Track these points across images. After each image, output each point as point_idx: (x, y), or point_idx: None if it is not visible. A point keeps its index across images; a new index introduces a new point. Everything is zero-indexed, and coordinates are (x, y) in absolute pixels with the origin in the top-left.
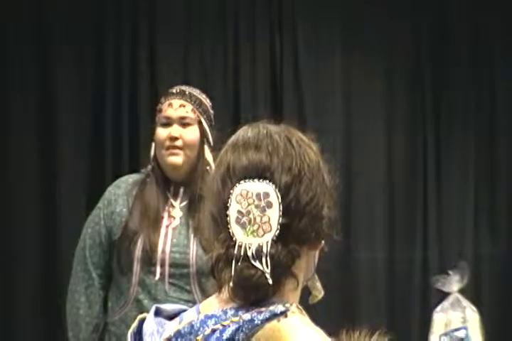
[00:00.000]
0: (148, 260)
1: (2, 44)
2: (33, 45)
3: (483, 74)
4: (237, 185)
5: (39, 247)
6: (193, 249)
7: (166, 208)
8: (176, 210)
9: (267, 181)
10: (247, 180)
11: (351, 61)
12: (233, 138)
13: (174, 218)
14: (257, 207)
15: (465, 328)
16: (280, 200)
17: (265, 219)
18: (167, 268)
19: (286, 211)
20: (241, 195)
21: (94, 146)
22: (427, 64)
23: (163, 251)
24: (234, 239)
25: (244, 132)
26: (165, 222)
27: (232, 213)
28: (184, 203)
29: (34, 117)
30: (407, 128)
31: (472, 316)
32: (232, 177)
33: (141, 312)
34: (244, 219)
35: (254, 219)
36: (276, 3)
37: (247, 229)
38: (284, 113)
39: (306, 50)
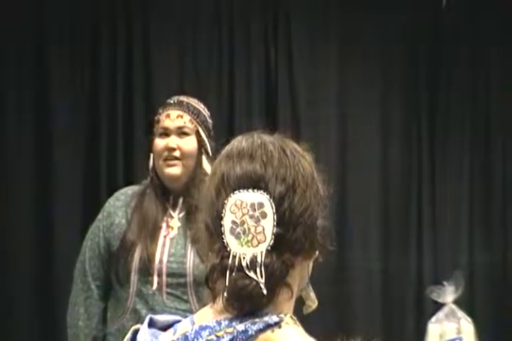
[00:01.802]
0: (146, 270)
1: None
2: (29, 45)
3: (479, 75)
4: (232, 195)
5: (35, 248)
6: (190, 258)
7: (165, 218)
8: (175, 220)
9: (262, 191)
10: (241, 190)
11: (347, 65)
12: (227, 148)
13: (172, 228)
14: (251, 217)
15: (460, 339)
16: (274, 210)
17: (259, 229)
18: (164, 278)
19: (280, 221)
20: (235, 205)
21: (90, 146)
22: (422, 65)
23: (161, 261)
24: (228, 249)
25: (239, 142)
26: (163, 232)
27: (227, 223)
28: (183, 214)
29: (30, 117)
30: (403, 138)
31: (467, 327)
32: (226, 187)
33: (139, 323)
34: (239, 229)
35: (249, 229)
36: (271, 7)
37: (242, 239)
38: (278, 120)
39: (300, 56)
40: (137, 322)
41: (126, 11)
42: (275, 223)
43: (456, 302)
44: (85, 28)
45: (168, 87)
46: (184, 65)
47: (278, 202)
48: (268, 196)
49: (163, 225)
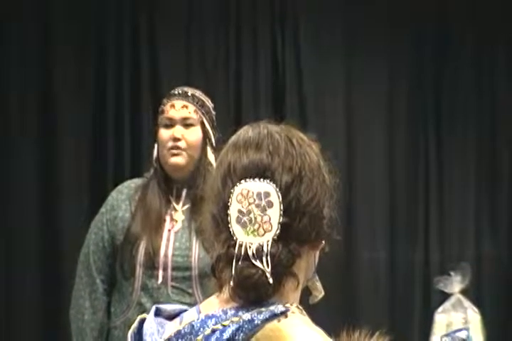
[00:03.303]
0: (151, 264)
1: (2, 44)
2: (34, 45)
3: (484, 74)
4: (238, 184)
5: (40, 247)
6: (195, 251)
7: (169, 211)
8: (179, 214)
9: (268, 180)
10: (247, 180)
11: (353, 61)
12: (234, 137)
13: (176, 221)
14: (257, 206)
15: (466, 329)
16: (281, 200)
17: (266, 218)
18: (169, 271)
19: (286, 210)
20: (242, 194)
21: (96, 146)
22: (428, 64)
23: (166, 255)
24: (234, 238)
25: (245, 132)
26: (167, 225)
27: (233, 212)
28: (186, 206)
29: (34, 117)
30: (409, 129)
31: (474, 317)
32: (232, 176)
33: None
34: (245, 218)
35: (255, 218)
36: (278, 4)
37: (248, 229)
38: (285, 113)
39: (307, 50)
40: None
41: (133, 11)
42: (281, 212)
43: (463, 292)
44: (91, 28)
45: (175, 86)
46: (191, 63)
47: (284, 191)
48: (274, 185)
49: (167, 218)
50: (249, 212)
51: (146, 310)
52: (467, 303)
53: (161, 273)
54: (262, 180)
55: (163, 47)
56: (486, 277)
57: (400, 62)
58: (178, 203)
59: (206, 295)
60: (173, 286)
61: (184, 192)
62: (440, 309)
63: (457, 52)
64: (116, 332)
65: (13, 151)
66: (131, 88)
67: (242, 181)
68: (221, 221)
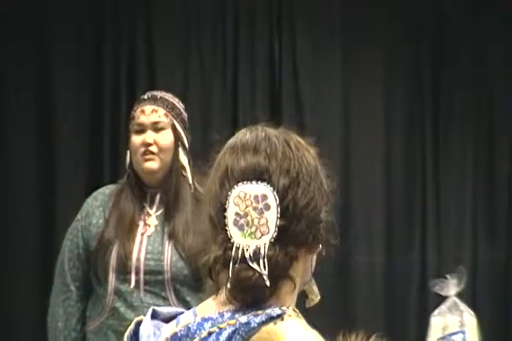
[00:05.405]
0: (123, 268)
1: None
2: (31, 44)
3: (482, 74)
4: (235, 187)
5: (37, 246)
6: (168, 255)
7: (142, 216)
8: (152, 218)
9: (265, 183)
10: (245, 182)
11: (350, 63)
12: (231, 140)
13: (149, 226)
14: (254, 209)
15: (462, 332)
16: (278, 202)
17: (263, 221)
18: (142, 275)
19: (283, 213)
20: (239, 196)
21: (93, 145)
22: (426, 64)
23: (138, 259)
24: (231, 240)
25: (243, 135)
26: (140, 229)
27: (230, 215)
28: (160, 211)
29: (32, 116)
30: (406, 130)
31: (470, 320)
32: (230, 179)
33: (120, 320)
34: (242, 221)
35: (252, 221)
36: (275, 6)
37: (245, 231)
38: (282, 116)
39: (305, 52)
40: (117, 320)
41: (130, 10)
42: (279, 215)
43: (459, 295)
44: (89, 27)
45: (172, 86)
46: (188, 64)
47: (282, 194)
48: (272, 188)
49: (141, 223)
50: (246, 214)
51: (120, 315)
52: (463, 306)
53: (133, 277)
54: (259, 182)
55: (160, 47)
56: (483, 279)
57: (397, 63)
58: (151, 208)
59: (180, 298)
60: (146, 290)
61: (158, 197)
62: (436, 312)
63: (455, 50)
64: (91, 336)
65: (10, 150)
66: (128, 89)
67: (240, 184)
68: (218, 223)
